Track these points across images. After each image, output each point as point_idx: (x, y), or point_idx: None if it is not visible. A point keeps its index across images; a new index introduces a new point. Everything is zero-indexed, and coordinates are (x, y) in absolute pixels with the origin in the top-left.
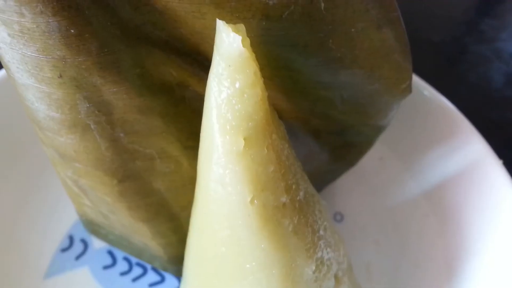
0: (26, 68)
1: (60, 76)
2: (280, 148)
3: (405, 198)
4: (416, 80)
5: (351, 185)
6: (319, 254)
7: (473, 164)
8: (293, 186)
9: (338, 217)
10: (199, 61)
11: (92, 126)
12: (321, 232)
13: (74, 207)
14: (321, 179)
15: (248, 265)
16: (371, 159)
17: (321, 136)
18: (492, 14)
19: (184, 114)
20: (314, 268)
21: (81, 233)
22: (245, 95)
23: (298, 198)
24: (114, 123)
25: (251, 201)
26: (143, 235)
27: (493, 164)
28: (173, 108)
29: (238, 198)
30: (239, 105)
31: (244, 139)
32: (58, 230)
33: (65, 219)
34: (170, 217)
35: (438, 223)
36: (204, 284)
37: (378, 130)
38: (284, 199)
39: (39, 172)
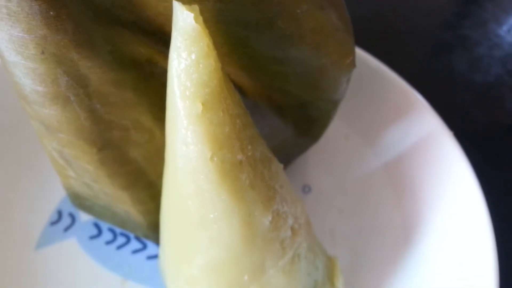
0: (14, 47)
1: (43, 53)
2: (236, 112)
3: (367, 171)
4: (376, 64)
5: (319, 161)
6: (275, 207)
7: (426, 137)
8: (249, 147)
9: (306, 189)
10: (165, 40)
11: (72, 98)
12: (277, 188)
13: (61, 182)
14: (289, 152)
15: (211, 215)
16: (338, 138)
17: (284, 112)
18: (458, 2)
19: (154, 88)
20: (270, 219)
21: (68, 208)
22: (201, 65)
23: (253, 157)
24: (91, 95)
25: (211, 158)
26: (124, 202)
27: (445, 135)
28: (144, 82)
29: (200, 155)
30: (196, 74)
31: (202, 103)
32: (47, 206)
33: (54, 196)
34: (148, 185)
35: (396, 192)
36: (175, 236)
37: (334, 104)
38: (240, 157)
39: (28, 155)
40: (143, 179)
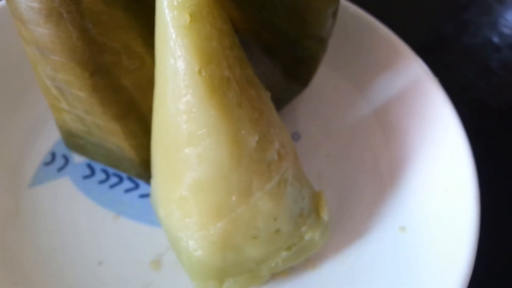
0: None
1: None
2: (223, 29)
3: (355, 117)
4: (365, 16)
5: (308, 110)
6: (262, 128)
7: (413, 83)
8: (236, 66)
9: (296, 136)
10: None
11: (65, 15)
12: (264, 111)
13: (55, 120)
14: (278, 97)
15: (199, 132)
16: (327, 87)
17: (272, 52)
18: None
19: (144, 11)
20: (257, 139)
21: (62, 150)
22: None
23: (241, 76)
24: (83, 12)
25: (199, 72)
26: (116, 136)
27: (430, 81)
28: (134, 3)
29: (188, 69)
30: None
31: (190, 15)
32: (40, 148)
33: (47, 139)
34: (139, 117)
35: (384, 136)
36: (166, 156)
37: (321, 43)
38: (227, 73)
39: (21, 98)
40: (135, 110)
